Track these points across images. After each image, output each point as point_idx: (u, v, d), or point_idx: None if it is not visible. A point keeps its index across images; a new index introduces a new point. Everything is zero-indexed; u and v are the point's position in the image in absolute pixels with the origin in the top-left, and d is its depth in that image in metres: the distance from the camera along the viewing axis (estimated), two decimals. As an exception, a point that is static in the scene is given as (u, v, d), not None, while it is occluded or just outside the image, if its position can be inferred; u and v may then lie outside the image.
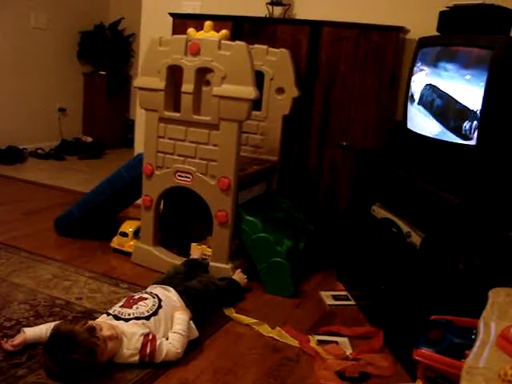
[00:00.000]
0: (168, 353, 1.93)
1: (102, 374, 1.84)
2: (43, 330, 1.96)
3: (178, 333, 2.00)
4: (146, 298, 2.09)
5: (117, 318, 1.97)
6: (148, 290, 2.24)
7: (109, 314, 2.01)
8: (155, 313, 2.02)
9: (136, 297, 2.10)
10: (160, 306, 2.06)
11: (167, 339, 1.98)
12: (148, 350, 1.90)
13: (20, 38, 5.06)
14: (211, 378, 1.93)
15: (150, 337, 1.92)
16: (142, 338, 1.91)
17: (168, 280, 2.38)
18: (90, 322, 1.84)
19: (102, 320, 1.98)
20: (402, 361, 2.08)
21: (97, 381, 1.81)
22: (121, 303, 2.08)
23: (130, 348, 1.89)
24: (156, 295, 2.13)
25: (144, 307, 2.03)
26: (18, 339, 1.94)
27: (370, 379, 1.99)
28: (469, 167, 2.04)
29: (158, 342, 1.92)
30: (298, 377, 1.98)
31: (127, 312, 1.99)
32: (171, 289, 2.25)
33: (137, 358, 1.90)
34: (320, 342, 2.19)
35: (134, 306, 2.02)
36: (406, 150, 2.55)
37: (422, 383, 1.69)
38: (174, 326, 2.04)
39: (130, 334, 1.91)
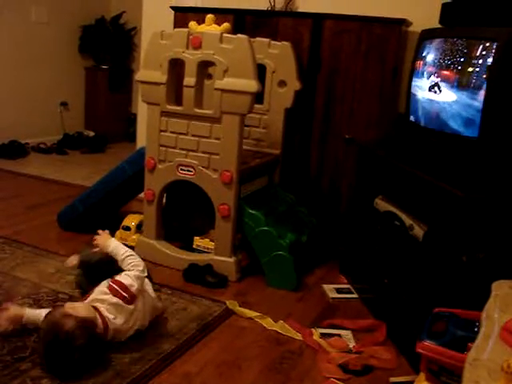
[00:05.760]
0: (136, 276, 1.98)
1: (105, 366, 1.85)
2: (42, 314, 1.97)
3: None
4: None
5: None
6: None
7: None
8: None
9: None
10: None
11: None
12: (117, 286, 1.94)
13: (21, 33, 5.05)
14: (214, 371, 1.94)
15: (113, 279, 1.99)
16: (106, 282, 1.98)
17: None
18: (68, 310, 1.79)
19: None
20: (405, 353, 2.08)
21: (100, 374, 1.82)
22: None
23: (105, 298, 1.92)
24: None
25: None
26: (13, 313, 1.99)
27: (373, 372, 2.00)
28: (472, 159, 2.03)
29: (120, 276, 1.98)
30: (301, 370, 1.99)
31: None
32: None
33: (115, 299, 1.92)
34: (323, 335, 2.20)
35: None
36: (409, 142, 2.54)
37: (425, 376, 1.69)
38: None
39: (97, 290, 1.97)
